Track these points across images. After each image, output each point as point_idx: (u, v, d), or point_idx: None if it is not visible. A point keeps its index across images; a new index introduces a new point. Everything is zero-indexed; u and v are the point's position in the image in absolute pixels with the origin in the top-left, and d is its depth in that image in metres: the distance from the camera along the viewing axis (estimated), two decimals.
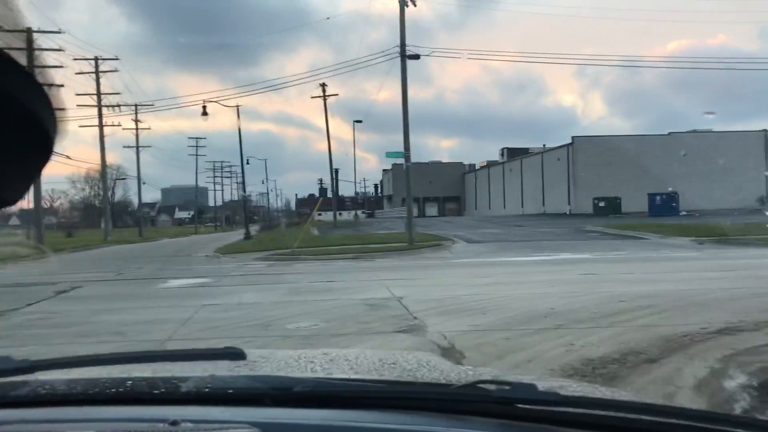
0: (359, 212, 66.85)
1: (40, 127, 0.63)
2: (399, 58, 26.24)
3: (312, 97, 50.13)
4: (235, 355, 1.41)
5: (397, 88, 26.71)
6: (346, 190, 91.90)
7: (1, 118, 0.61)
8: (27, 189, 0.71)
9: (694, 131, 57.09)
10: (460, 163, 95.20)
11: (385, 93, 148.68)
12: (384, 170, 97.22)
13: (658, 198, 46.45)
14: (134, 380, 1.29)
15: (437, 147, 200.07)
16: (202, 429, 1.05)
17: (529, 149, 72.53)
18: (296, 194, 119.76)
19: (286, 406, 1.17)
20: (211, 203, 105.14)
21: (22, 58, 0.58)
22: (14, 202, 0.71)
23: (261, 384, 1.26)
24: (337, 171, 61.64)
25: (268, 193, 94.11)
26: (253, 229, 52.20)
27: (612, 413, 1.12)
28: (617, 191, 51.32)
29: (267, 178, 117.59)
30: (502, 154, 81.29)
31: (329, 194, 68.01)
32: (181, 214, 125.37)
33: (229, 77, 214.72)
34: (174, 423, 1.05)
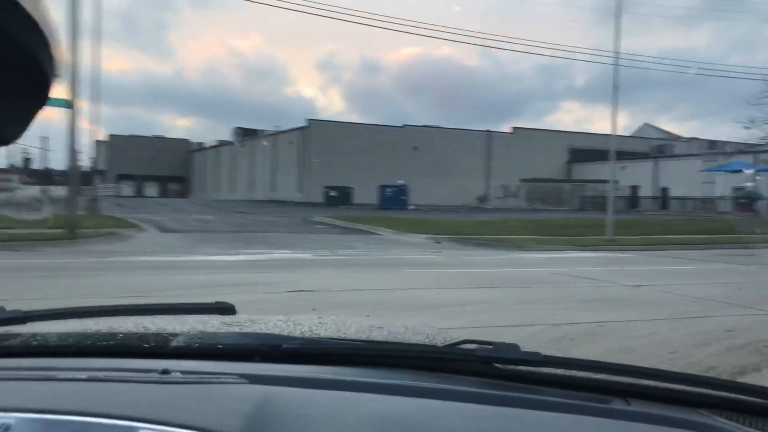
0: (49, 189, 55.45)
1: (38, 66, 0.63)
2: None
3: None
4: (225, 309, 1.47)
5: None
6: (59, 162, 77.72)
7: None
8: (24, 130, 0.72)
9: (426, 126, 57.13)
10: (187, 141, 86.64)
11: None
12: (98, 141, 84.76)
13: (388, 190, 44.54)
14: (125, 333, 1.31)
15: (172, 125, 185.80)
16: (192, 379, 1.05)
17: (264, 131, 67.46)
18: None
19: (274, 362, 1.19)
20: None
21: None
22: (9, 142, 0.73)
23: (250, 340, 1.27)
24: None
25: None
26: None
27: (592, 374, 1.15)
28: (349, 181, 48.69)
29: None
30: (235, 134, 75.15)
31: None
32: None
33: None
34: (165, 372, 1.07)
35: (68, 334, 1.28)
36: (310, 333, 1.47)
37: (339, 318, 1.74)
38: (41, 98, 0.68)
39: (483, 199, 54.82)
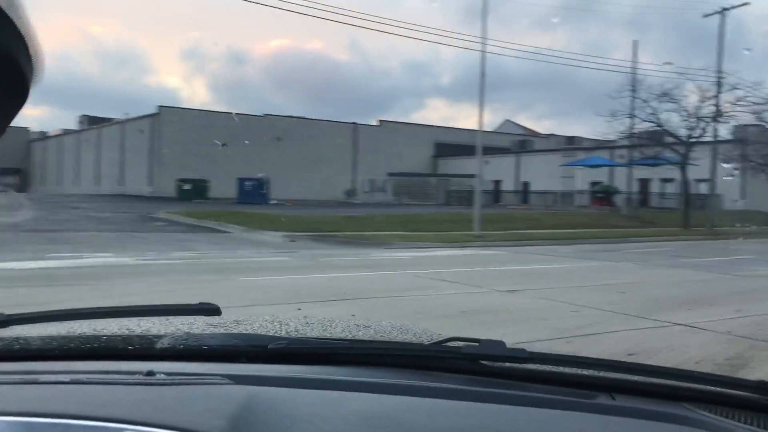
0: None
1: (16, 67, 0.63)
2: None
3: None
4: (210, 310, 1.42)
5: None
6: None
7: None
8: (3, 130, 0.72)
9: (290, 116, 54.46)
10: (26, 129, 77.99)
11: None
12: None
13: (247, 183, 41.58)
14: (110, 336, 1.30)
15: (19, 114, 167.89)
16: (176, 380, 1.04)
17: (113, 119, 61.63)
18: None
19: (260, 363, 1.18)
20: None
21: None
22: None
23: (236, 341, 1.26)
24: None
25: None
26: None
27: (577, 370, 1.15)
28: (206, 173, 45.06)
29: None
30: (81, 122, 68.36)
31: None
32: None
33: None
34: (149, 373, 1.06)
35: (51, 337, 1.27)
36: (296, 333, 1.44)
37: (325, 318, 1.71)
38: (21, 98, 0.68)
39: (351, 193, 53.20)
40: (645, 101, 28.97)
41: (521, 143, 58.97)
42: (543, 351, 1.21)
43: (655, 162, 33.96)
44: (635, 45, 31.30)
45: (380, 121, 60.10)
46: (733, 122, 29.64)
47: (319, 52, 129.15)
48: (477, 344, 1.16)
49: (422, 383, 1.09)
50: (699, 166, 29.18)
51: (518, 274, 12.36)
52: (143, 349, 1.23)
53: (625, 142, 33.92)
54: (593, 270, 13.56)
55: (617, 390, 1.12)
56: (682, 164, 28.66)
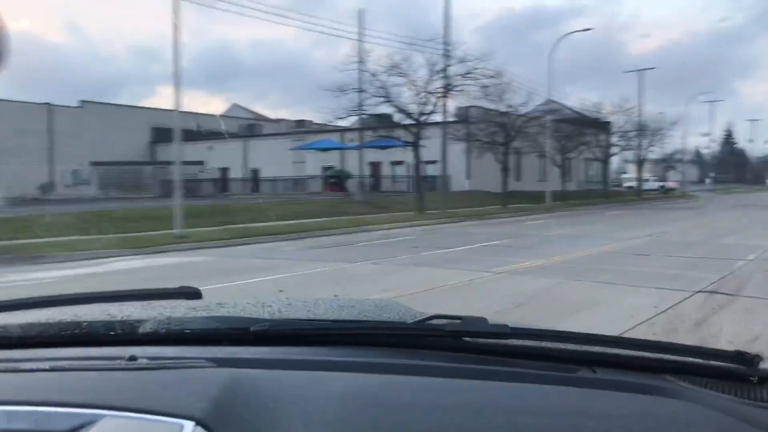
0: None
1: None
2: None
3: None
4: (190, 294, 1.45)
5: None
6: None
7: None
8: None
9: None
10: None
11: None
12: None
13: None
14: (91, 321, 1.28)
15: None
16: (158, 365, 1.04)
17: None
18: None
19: (243, 345, 1.18)
20: None
21: None
22: None
23: (218, 324, 1.26)
24: None
25: None
26: None
27: (559, 344, 1.16)
28: None
29: None
30: None
31: None
32: None
33: None
34: (131, 359, 1.06)
35: (31, 325, 1.26)
36: (278, 314, 1.43)
37: (308, 298, 1.68)
38: None
39: (47, 187, 44.23)
40: (374, 75, 26.72)
41: (249, 127, 54.85)
42: (526, 326, 1.20)
43: (386, 143, 32.32)
44: (361, 14, 28.93)
45: (82, 101, 51.16)
46: (463, 97, 28.81)
47: (28, 33, 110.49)
48: (459, 321, 1.17)
49: (405, 361, 1.10)
50: (427, 147, 27.83)
51: (208, 295, 8.23)
52: (125, 334, 1.22)
53: (355, 121, 31.77)
54: (321, 281, 9.97)
55: (598, 363, 1.13)
56: (414, 144, 27.04)
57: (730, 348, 1.15)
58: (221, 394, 0.91)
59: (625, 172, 67.04)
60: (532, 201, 33.14)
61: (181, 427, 0.81)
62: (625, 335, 1.34)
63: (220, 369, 1.02)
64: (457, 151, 32.72)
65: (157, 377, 0.99)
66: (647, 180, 61.79)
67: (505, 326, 1.13)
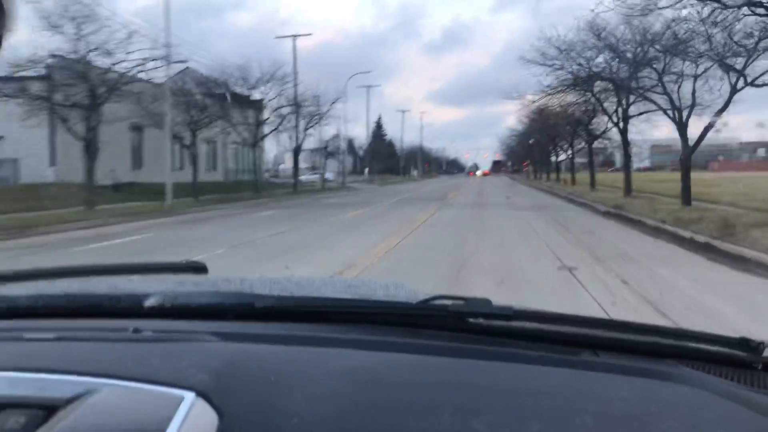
0: None
1: None
2: None
3: None
4: (197, 269, 1.45)
5: None
6: None
7: None
8: None
9: None
10: None
11: None
12: None
13: None
14: (97, 294, 1.30)
15: None
16: (162, 338, 1.05)
17: None
18: None
19: (247, 321, 1.19)
20: None
21: None
22: None
23: (223, 299, 1.28)
24: None
25: None
26: None
27: (562, 327, 1.16)
28: None
29: None
30: None
31: None
32: None
33: None
34: (136, 331, 1.07)
35: (38, 296, 1.27)
36: (284, 292, 1.42)
37: (315, 276, 1.63)
38: None
39: None
40: None
41: None
42: (530, 309, 1.21)
43: None
44: None
45: None
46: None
47: None
48: (463, 302, 1.17)
49: (407, 340, 1.10)
50: None
51: None
52: (130, 307, 1.22)
53: None
54: None
55: (601, 347, 1.12)
56: None
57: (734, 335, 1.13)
58: (223, 367, 0.92)
59: (282, 163, 60.75)
60: (150, 197, 23.10)
61: (182, 397, 0.81)
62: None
63: (223, 343, 1.04)
64: (33, 125, 20.77)
65: (159, 349, 1.00)
66: (310, 171, 56.34)
67: (509, 308, 1.14)
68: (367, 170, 68.44)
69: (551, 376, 0.99)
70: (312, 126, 33.37)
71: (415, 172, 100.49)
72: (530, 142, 59.63)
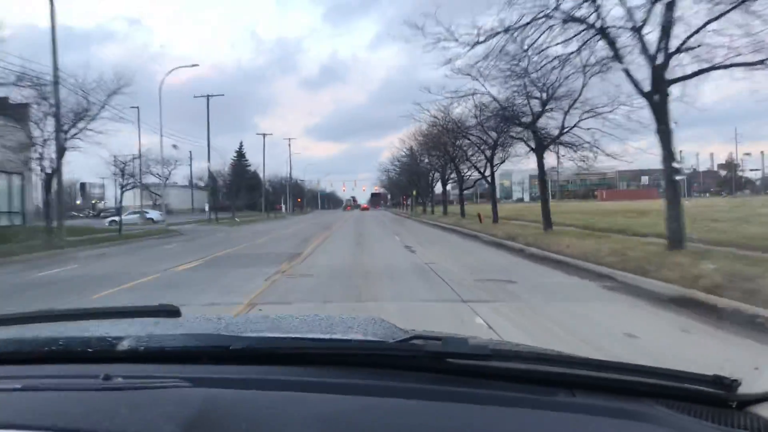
0: None
1: None
2: None
3: None
4: (170, 312, 1.41)
5: None
6: None
7: None
8: None
9: None
10: None
11: None
12: None
13: None
14: (68, 338, 1.26)
15: None
16: (133, 384, 1.02)
17: None
18: None
19: (222, 364, 1.16)
20: None
21: None
22: None
23: (197, 342, 1.24)
24: None
25: None
26: None
27: (538, 366, 1.15)
28: None
29: None
30: None
31: None
32: None
33: None
34: (107, 378, 1.04)
35: (7, 341, 1.23)
36: (260, 333, 1.38)
37: (292, 316, 1.64)
38: None
39: None
40: None
41: None
42: (506, 348, 1.19)
43: None
44: None
45: None
46: None
47: None
48: (440, 342, 1.14)
49: (383, 383, 1.08)
50: None
51: None
52: (102, 352, 1.18)
53: None
54: None
55: (578, 386, 1.11)
56: None
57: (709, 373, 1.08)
58: (194, 415, 0.89)
59: (103, 199, 47.59)
60: None
61: None
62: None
63: (195, 389, 1.01)
64: None
65: (130, 398, 0.97)
66: (139, 210, 44.00)
67: (485, 347, 1.12)
68: (206, 206, 56.40)
69: (527, 418, 0.99)
70: (76, 135, 21.04)
71: (283, 208, 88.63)
72: (421, 163, 50.43)
